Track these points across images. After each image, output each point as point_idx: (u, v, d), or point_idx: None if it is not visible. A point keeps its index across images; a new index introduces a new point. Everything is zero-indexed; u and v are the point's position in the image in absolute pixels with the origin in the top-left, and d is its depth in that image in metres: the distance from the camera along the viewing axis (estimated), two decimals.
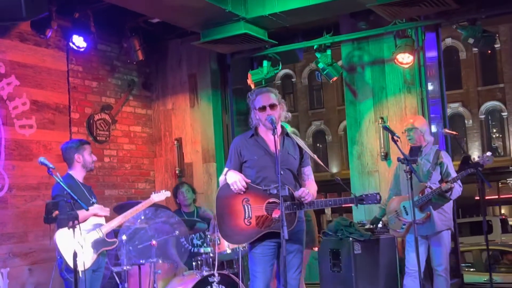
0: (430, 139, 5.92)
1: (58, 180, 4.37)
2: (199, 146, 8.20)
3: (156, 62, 8.47)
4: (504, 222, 20.97)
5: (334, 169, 29.57)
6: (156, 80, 8.56)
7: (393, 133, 5.15)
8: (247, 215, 4.49)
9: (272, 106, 4.59)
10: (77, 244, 4.80)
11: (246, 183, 4.53)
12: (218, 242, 6.17)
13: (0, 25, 6.53)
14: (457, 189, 5.63)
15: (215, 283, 5.90)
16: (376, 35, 7.27)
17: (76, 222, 4.13)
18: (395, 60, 6.81)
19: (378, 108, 7.37)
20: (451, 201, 5.80)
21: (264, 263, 4.60)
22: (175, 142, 8.29)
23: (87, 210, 4.56)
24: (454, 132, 5.77)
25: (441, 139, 7.11)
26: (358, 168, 7.48)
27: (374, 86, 7.39)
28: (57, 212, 4.43)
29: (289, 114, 4.73)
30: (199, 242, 6.78)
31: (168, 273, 6.31)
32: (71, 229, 4.21)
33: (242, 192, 4.50)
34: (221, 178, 4.68)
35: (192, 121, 8.28)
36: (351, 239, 6.47)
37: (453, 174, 5.72)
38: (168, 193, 6.03)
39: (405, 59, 6.71)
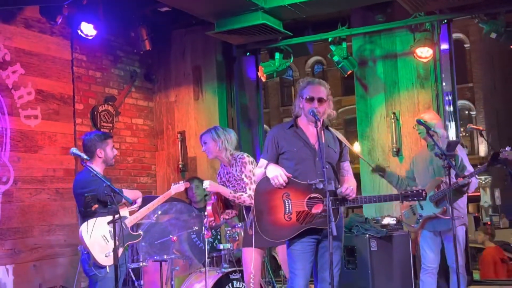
0: (443, 134, 5.84)
1: (95, 173, 4.14)
2: None
3: (159, 53, 8.20)
4: (476, 219, 21.30)
5: None
6: (159, 72, 8.31)
7: (428, 127, 5.06)
8: (287, 211, 4.33)
9: (320, 100, 4.44)
10: (103, 238, 4.60)
11: (287, 177, 4.38)
12: (237, 238, 6.02)
13: (6, 11, 6.23)
14: (474, 183, 5.56)
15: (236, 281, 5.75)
16: (389, 29, 7.17)
17: (117, 216, 3.91)
18: (414, 54, 6.72)
19: (390, 103, 7.27)
20: (465, 196, 5.75)
21: (304, 260, 4.44)
22: (178, 135, 8.05)
23: (131, 203, 4.34)
24: (480, 128, 5.70)
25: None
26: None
27: (386, 80, 7.29)
28: (96, 206, 4.19)
29: (334, 112, 4.56)
30: (210, 239, 6.58)
31: (184, 270, 6.12)
32: (108, 224, 4.00)
33: (282, 187, 4.35)
34: (258, 171, 4.52)
35: (196, 114, 8.06)
36: (367, 235, 6.37)
37: (469, 167, 5.66)
38: (187, 184, 5.87)
39: (424, 53, 6.63)
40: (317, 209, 4.37)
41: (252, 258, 5.31)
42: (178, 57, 8.19)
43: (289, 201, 4.34)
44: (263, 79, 7.33)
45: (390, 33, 7.24)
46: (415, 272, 6.55)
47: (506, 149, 5.60)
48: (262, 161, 4.52)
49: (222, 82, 8.02)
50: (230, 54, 8.04)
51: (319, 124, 4.36)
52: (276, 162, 4.48)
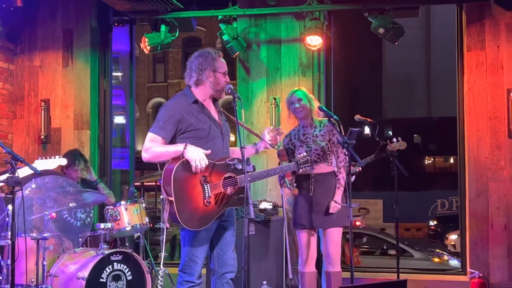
0: None
1: None
2: (71, 111, 7.37)
3: (25, 10, 7.38)
4: None
5: (139, 147, 28.99)
6: (23, 32, 7.53)
7: (331, 115, 5.07)
8: (206, 195, 4.09)
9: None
10: None
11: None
12: (118, 218, 5.67)
13: None
14: None
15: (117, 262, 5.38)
16: (276, 14, 7.15)
17: (17, 188, 3.43)
18: (304, 42, 6.76)
19: (271, 89, 7.25)
20: None
21: (206, 248, 4.29)
22: (42, 103, 7.37)
23: (39, 173, 3.82)
24: (369, 119, 5.85)
25: None
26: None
27: (269, 65, 7.25)
28: None
29: None
30: (83, 216, 6.11)
31: (56, 250, 5.60)
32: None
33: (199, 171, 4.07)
34: (160, 149, 4.11)
35: (64, 82, 7.42)
36: (247, 219, 6.31)
37: None
38: (63, 161, 5.30)
39: (314, 41, 6.68)
40: (231, 189, 4.22)
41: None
42: (47, 18, 7.48)
43: (207, 184, 4.10)
44: (146, 51, 6.93)
45: (276, 19, 7.21)
46: (287, 256, 6.65)
47: (393, 140, 5.86)
48: (157, 137, 4.11)
49: (96, 50, 7.47)
50: (106, 21, 7.52)
51: (237, 100, 4.23)
52: (171, 142, 4.16)
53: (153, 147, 4.12)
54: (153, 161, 4.16)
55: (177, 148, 4.09)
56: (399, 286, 3.69)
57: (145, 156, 4.11)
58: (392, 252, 10.91)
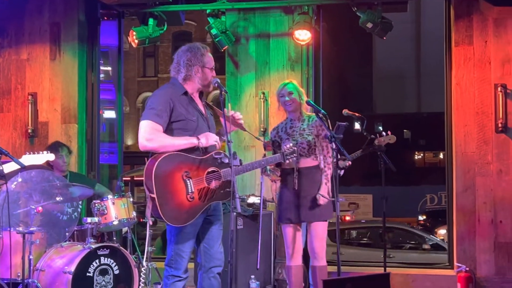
0: None
1: None
2: (58, 105, 7.34)
3: (12, 3, 7.37)
4: None
5: (130, 141, 28.96)
6: (10, 25, 7.48)
7: (318, 109, 5.07)
8: (189, 190, 4.07)
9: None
10: None
11: (184, 153, 4.12)
12: (105, 212, 5.66)
13: None
14: None
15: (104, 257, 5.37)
16: (264, 8, 7.14)
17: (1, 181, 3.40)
18: (292, 36, 6.75)
19: (260, 83, 7.25)
20: None
21: (192, 243, 4.28)
22: (29, 97, 7.33)
23: (24, 167, 3.79)
24: (357, 114, 5.85)
25: None
26: (234, 143, 7.25)
27: (257, 59, 7.24)
28: None
29: None
30: (70, 210, 6.09)
31: (42, 244, 5.58)
32: None
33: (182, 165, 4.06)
34: (168, 140, 4.09)
35: (52, 75, 7.39)
36: (234, 213, 6.32)
37: None
38: (51, 156, 5.31)
39: (302, 35, 6.68)
40: (215, 183, 4.21)
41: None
42: (33, 11, 7.43)
43: (190, 180, 4.08)
44: (134, 45, 6.92)
45: (265, 13, 7.20)
46: (275, 251, 6.67)
47: (383, 134, 5.86)
48: (157, 126, 4.06)
49: (84, 44, 7.44)
50: (94, 15, 7.49)
51: (224, 94, 4.23)
52: (164, 130, 4.13)
53: (158, 136, 4.08)
54: (158, 150, 4.06)
55: (191, 140, 4.10)
56: (382, 279, 3.70)
57: (148, 145, 4.05)
58: (426, 246, 10.93)
